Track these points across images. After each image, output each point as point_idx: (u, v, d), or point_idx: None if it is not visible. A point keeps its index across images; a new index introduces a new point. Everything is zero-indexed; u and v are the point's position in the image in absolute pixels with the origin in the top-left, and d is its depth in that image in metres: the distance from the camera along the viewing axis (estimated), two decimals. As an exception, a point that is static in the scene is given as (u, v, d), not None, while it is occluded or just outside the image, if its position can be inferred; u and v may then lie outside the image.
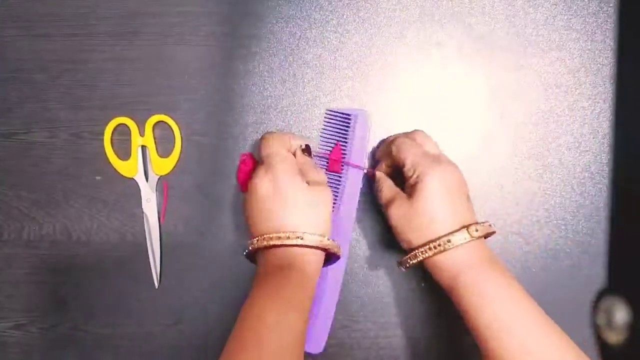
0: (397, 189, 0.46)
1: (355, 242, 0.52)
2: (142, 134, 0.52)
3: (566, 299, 0.52)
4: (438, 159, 0.44)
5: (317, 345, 0.50)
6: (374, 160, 0.51)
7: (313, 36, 0.53)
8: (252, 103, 0.53)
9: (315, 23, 0.53)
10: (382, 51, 0.52)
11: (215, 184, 0.52)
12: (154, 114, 0.52)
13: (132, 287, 0.52)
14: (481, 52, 0.52)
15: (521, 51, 0.52)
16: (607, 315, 0.51)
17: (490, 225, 0.43)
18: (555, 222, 0.52)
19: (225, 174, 0.52)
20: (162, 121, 0.52)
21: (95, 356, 0.52)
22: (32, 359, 0.53)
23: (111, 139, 0.53)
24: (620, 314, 0.51)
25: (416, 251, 0.42)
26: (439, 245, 0.41)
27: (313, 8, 0.53)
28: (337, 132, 0.52)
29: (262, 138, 0.47)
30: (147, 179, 0.52)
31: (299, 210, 0.43)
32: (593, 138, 0.52)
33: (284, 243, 0.42)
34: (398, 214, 0.43)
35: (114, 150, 0.52)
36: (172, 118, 0.52)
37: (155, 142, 0.53)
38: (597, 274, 0.52)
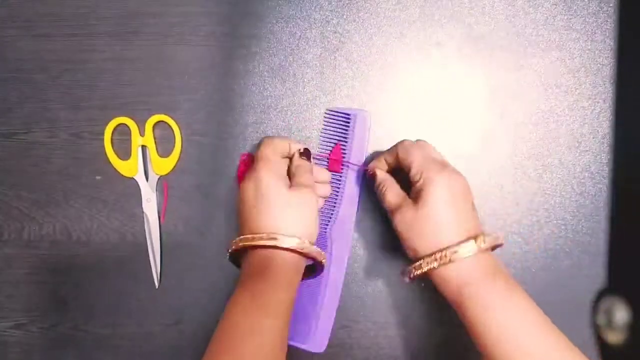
0: (403, 194, 0.44)
1: (355, 242, 0.52)
2: (142, 134, 0.52)
3: (566, 299, 0.52)
4: (444, 165, 0.43)
5: (319, 345, 0.50)
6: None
7: (313, 36, 0.53)
8: (252, 103, 0.53)
9: (315, 23, 0.53)
10: (382, 51, 0.52)
11: (215, 184, 0.52)
12: (154, 114, 0.52)
13: (132, 287, 0.52)
14: (481, 52, 0.52)
15: (521, 51, 0.52)
16: (607, 315, 0.51)
17: (498, 237, 0.41)
18: (555, 222, 0.52)
19: (225, 174, 0.52)
20: (162, 121, 0.52)
21: (95, 356, 0.53)
22: (32, 358, 0.53)
23: (111, 139, 0.53)
24: (620, 314, 0.51)
25: (421, 261, 0.41)
26: (445, 256, 0.40)
27: (313, 8, 0.53)
28: (337, 131, 0.52)
29: (260, 142, 0.47)
30: (147, 179, 0.52)
31: (278, 212, 0.42)
32: (593, 138, 0.52)
33: (258, 244, 0.42)
34: (403, 220, 0.42)
35: (114, 150, 0.52)
36: (172, 118, 0.52)
37: (155, 142, 0.53)
38: (597, 274, 0.52)
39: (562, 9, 0.52)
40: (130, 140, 0.53)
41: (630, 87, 0.52)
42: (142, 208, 0.52)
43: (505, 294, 0.40)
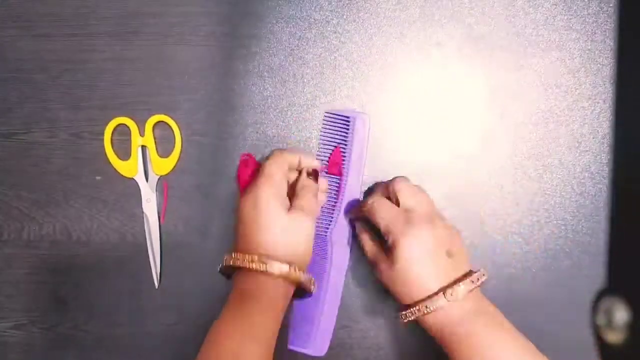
0: (378, 250, 0.46)
1: (355, 242, 0.52)
2: (142, 134, 0.52)
3: (566, 299, 0.52)
4: (411, 221, 0.43)
5: (320, 348, 0.50)
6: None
7: (313, 36, 0.53)
8: (252, 103, 0.53)
9: (315, 23, 0.53)
10: (382, 51, 0.52)
11: (215, 184, 0.52)
12: (154, 114, 0.52)
13: (132, 287, 0.52)
14: (481, 52, 0.52)
15: (521, 51, 0.52)
16: (607, 315, 0.51)
17: (473, 281, 0.42)
18: (555, 222, 0.52)
19: (225, 174, 0.52)
20: (162, 121, 0.52)
21: (95, 356, 0.53)
22: (32, 359, 0.53)
23: (111, 139, 0.53)
24: (620, 314, 0.51)
25: (407, 311, 0.43)
26: (418, 310, 0.42)
27: (313, 8, 0.53)
28: (336, 134, 0.51)
29: (270, 154, 0.48)
30: (147, 179, 0.52)
31: (271, 235, 0.43)
32: (593, 138, 0.52)
33: (247, 266, 0.42)
34: (382, 274, 0.44)
35: (114, 150, 0.52)
36: (172, 118, 0.52)
37: (155, 142, 0.53)
38: (597, 274, 0.52)
39: (562, 9, 0.52)
40: (130, 140, 0.53)
41: (630, 87, 0.52)
42: (142, 208, 0.52)
43: (488, 331, 0.41)
